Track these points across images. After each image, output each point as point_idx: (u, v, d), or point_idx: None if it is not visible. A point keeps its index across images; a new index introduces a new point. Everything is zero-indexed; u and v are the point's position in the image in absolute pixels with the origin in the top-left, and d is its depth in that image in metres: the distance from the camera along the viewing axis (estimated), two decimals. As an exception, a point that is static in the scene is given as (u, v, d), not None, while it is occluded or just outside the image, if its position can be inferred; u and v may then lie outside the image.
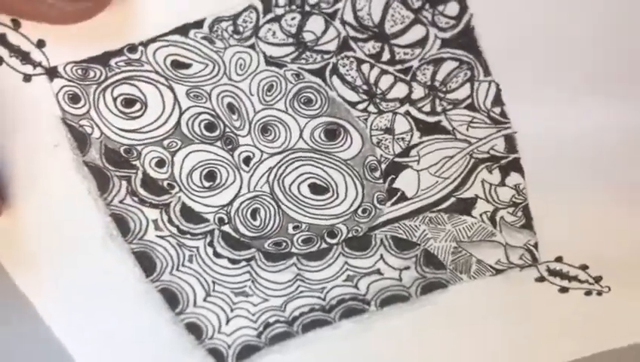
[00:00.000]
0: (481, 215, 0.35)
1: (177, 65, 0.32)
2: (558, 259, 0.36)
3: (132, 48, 0.32)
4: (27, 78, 0.32)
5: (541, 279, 0.37)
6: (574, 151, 0.32)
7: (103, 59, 0.32)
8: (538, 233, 0.35)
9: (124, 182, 0.35)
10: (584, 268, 0.36)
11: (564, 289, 0.37)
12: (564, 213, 0.34)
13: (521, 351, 0.39)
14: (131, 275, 0.38)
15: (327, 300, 0.39)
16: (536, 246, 0.36)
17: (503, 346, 0.39)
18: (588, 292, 0.37)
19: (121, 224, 0.36)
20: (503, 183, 0.34)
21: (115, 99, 0.33)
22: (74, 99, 0.33)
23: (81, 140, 0.34)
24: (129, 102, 0.33)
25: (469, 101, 0.32)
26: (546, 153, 0.32)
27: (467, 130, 0.32)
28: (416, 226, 0.36)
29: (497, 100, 0.31)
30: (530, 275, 0.37)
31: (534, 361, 0.40)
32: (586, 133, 0.31)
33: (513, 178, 0.34)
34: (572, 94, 0.31)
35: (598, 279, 0.36)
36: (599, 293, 0.37)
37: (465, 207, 0.35)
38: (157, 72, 0.32)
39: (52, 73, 0.32)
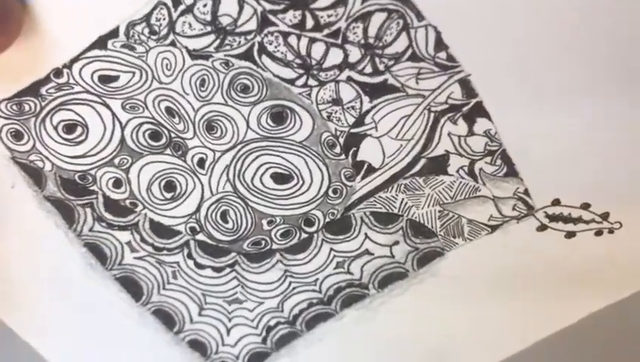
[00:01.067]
0: (457, 171, 0.32)
1: (105, 79, 0.31)
2: (556, 202, 0.33)
3: (57, 72, 0.31)
4: (-33, 124, 0.32)
5: (543, 227, 0.33)
6: (537, 76, 0.29)
7: (33, 89, 0.31)
8: (525, 178, 0.32)
9: (88, 210, 0.34)
10: (586, 206, 0.33)
11: (570, 234, 0.34)
12: (547, 149, 0.31)
13: (537, 307, 0.36)
14: (121, 302, 0.37)
15: (324, 291, 0.37)
16: (527, 193, 0.33)
17: (516, 305, 0.36)
18: (598, 232, 0.33)
19: (97, 252, 0.36)
20: (471, 132, 0.31)
21: (55, 128, 0.32)
22: (17, 136, 0.32)
23: (35, 176, 0.33)
24: (70, 127, 0.32)
25: (410, 52, 0.29)
26: (507, 87, 0.29)
27: (417, 83, 0.30)
28: (393, 197, 0.33)
29: (440, 44, 0.29)
30: (530, 225, 0.34)
31: (554, 317, 0.36)
32: (541, 54, 0.28)
33: (481, 124, 0.31)
34: (518, 23, 0.27)
35: (605, 216, 0.33)
36: (611, 231, 0.33)
37: (438, 166, 0.32)
38: (88, 92, 0.31)
39: (-11, 114, 0.32)
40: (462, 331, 0.37)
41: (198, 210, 0.34)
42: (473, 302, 0.36)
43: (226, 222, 0.35)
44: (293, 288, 0.36)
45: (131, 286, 0.36)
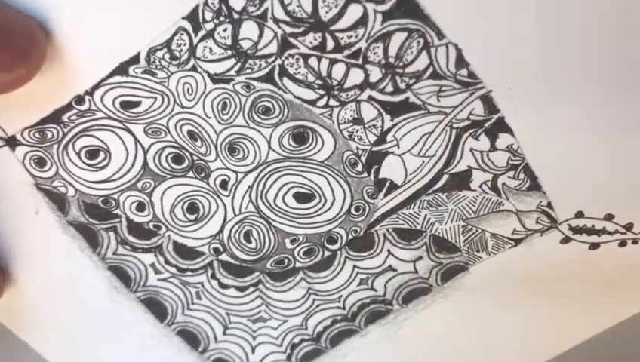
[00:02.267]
0: (480, 186, 0.32)
1: (127, 105, 0.31)
2: (579, 215, 0.33)
3: (79, 100, 0.31)
4: (-10, 153, 0.32)
5: (566, 240, 0.33)
6: (559, 91, 0.29)
7: (55, 117, 0.31)
8: (548, 191, 0.32)
9: (111, 234, 0.35)
10: (610, 217, 0.33)
11: (594, 246, 0.33)
12: (569, 161, 0.31)
13: (562, 319, 0.36)
14: (146, 324, 0.37)
15: (348, 308, 0.37)
16: (550, 206, 0.32)
17: (541, 317, 0.36)
18: (622, 243, 0.33)
19: (122, 275, 0.36)
20: (493, 147, 0.31)
21: (78, 154, 0.32)
22: (40, 162, 0.33)
23: (59, 201, 0.34)
24: (92, 153, 0.32)
25: (430, 70, 0.29)
26: (529, 101, 0.29)
27: (438, 100, 0.30)
28: (416, 213, 0.33)
29: (461, 62, 0.29)
30: (554, 238, 0.33)
31: (579, 329, 0.36)
32: (562, 69, 0.28)
33: (503, 139, 0.31)
34: (540, 39, 0.27)
35: (629, 226, 0.33)
36: (635, 241, 0.33)
37: (461, 181, 0.32)
38: (110, 117, 0.31)
39: (12, 142, 0.32)
40: (486, 344, 0.37)
41: (221, 230, 0.34)
42: (497, 315, 0.36)
43: (249, 241, 0.35)
44: (317, 305, 0.37)
45: (156, 308, 0.37)
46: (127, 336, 0.37)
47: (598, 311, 0.35)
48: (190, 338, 0.38)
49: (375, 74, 0.29)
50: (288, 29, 0.29)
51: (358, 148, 0.32)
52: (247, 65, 0.30)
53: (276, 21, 0.28)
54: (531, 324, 0.36)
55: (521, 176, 0.32)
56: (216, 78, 0.30)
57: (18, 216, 0.34)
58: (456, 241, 0.34)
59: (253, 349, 0.38)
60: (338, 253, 0.35)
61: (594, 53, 0.28)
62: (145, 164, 0.32)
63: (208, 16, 0.28)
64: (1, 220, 0.34)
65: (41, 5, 0.28)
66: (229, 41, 0.29)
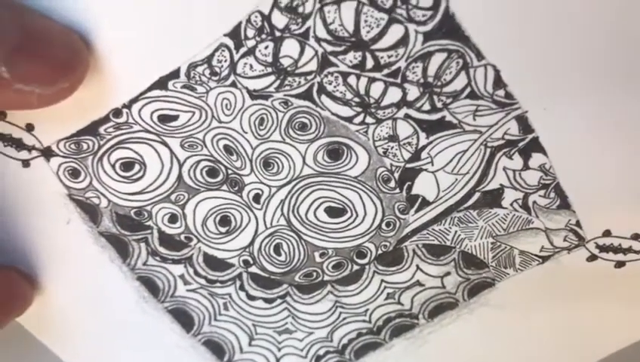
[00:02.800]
0: (511, 204, 0.33)
1: (164, 119, 0.31)
2: (607, 233, 0.33)
3: (117, 112, 0.31)
4: (25, 163, 0.32)
5: (593, 258, 0.34)
6: (593, 111, 0.29)
7: (92, 129, 0.32)
8: (577, 210, 0.33)
9: (142, 245, 0.35)
10: (636, 237, 0.33)
11: (620, 264, 0.34)
12: (599, 182, 0.31)
13: (587, 336, 0.36)
14: (172, 334, 0.37)
15: (373, 322, 0.37)
16: (578, 224, 0.33)
17: (565, 334, 0.36)
18: (648, 262, 0.34)
19: (150, 285, 0.36)
20: (526, 166, 0.31)
21: (113, 166, 0.32)
22: (74, 173, 0.33)
23: (91, 212, 0.34)
24: (127, 165, 0.33)
25: (468, 90, 0.30)
26: (563, 124, 0.30)
27: (474, 119, 0.30)
28: (446, 229, 0.34)
29: (498, 82, 0.29)
30: (581, 256, 0.34)
31: (604, 345, 0.37)
32: (596, 93, 0.29)
33: (536, 159, 0.31)
34: (575, 63, 0.28)
35: (655, 246, 0.33)
36: (660, 261, 0.34)
37: (492, 199, 0.33)
38: (147, 130, 0.32)
39: (47, 153, 0.32)
40: (511, 359, 0.37)
41: (251, 243, 0.35)
42: (522, 331, 0.36)
43: (279, 254, 0.35)
44: (343, 318, 0.37)
45: (183, 318, 0.37)
46: (154, 346, 0.38)
47: (622, 327, 0.36)
48: (216, 348, 0.38)
49: (413, 92, 0.30)
50: (329, 48, 0.29)
51: (391, 165, 0.32)
52: (286, 82, 0.30)
53: (317, 40, 0.29)
54: (556, 341, 0.36)
55: (552, 194, 0.32)
56: (255, 94, 0.31)
57: (49, 225, 0.34)
58: (484, 258, 0.34)
59: (278, 360, 0.38)
60: (367, 267, 0.35)
61: (630, 79, 0.28)
62: (180, 176, 0.33)
63: (250, 33, 0.29)
64: (32, 229, 0.34)
65: (83, 17, 0.29)
66: (269, 59, 0.29)
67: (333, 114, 0.31)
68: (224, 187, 0.33)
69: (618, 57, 0.28)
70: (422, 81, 0.29)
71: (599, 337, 0.36)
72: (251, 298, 0.36)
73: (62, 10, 0.28)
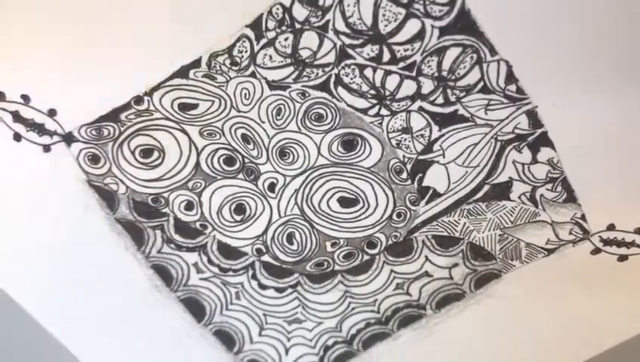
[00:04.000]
0: (519, 197, 0.34)
1: (185, 107, 0.32)
2: (610, 227, 0.34)
3: (138, 100, 0.32)
4: (47, 148, 0.33)
5: (597, 251, 0.35)
6: (601, 107, 0.30)
7: (113, 115, 0.32)
8: (583, 204, 0.34)
9: (158, 232, 0.35)
10: (640, 231, 0.34)
11: (622, 258, 0.35)
12: (605, 177, 0.32)
13: (589, 326, 0.37)
14: (183, 323, 0.38)
15: (382, 312, 0.38)
16: (584, 218, 0.34)
17: (569, 325, 0.37)
18: (650, 256, 0.35)
19: (164, 274, 0.37)
20: (535, 160, 0.32)
21: (133, 152, 0.33)
22: (94, 159, 0.33)
23: (109, 198, 0.35)
24: (147, 152, 0.33)
25: (481, 84, 0.31)
26: (572, 119, 0.31)
27: (486, 113, 0.31)
28: (455, 221, 0.35)
29: (510, 77, 0.30)
30: (585, 249, 0.35)
31: (606, 336, 0.37)
32: (604, 91, 0.30)
33: (545, 153, 0.32)
34: (584, 60, 0.29)
35: (658, 240, 0.34)
36: (662, 255, 0.35)
37: (501, 192, 0.34)
38: (167, 118, 0.32)
39: (69, 139, 0.33)
40: (516, 350, 0.38)
41: (265, 232, 0.35)
42: (527, 322, 0.37)
43: (292, 243, 0.36)
44: (353, 308, 0.38)
45: (194, 307, 0.37)
46: (164, 335, 0.38)
47: (624, 319, 0.37)
48: (226, 338, 0.38)
49: (427, 86, 0.31)
50: (347, 41, 0.30)
51: (404, 157, 0.33)
52: (304, 73, 0.31)
53: (336, 32, 0.30)
54: (559, 331, 0.37)
55: (559, 188, 0.33)
56: (273, 85, 0.31)
57: (67, 211, 0.35)
58: (492, 249, 0.35)
59: (287, 350, 0.39)
60: (377, 257, 0.36)
61: (637, 77, 0.29)
62: (197, 164, 0.34)
63: (271, 25, 0.30)
64: (50, 215, 0.35)
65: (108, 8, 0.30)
66: (289, 50, 0.30)
67: (348, 105, 0.32)
68: (240, 175, 0.34)
69: (627, 56, 0.29)
70: (436, 74, 0.31)
71: (602, 328, 0.37)
72: (263, 287, 0.37)
73: (88, -1, 0.29)
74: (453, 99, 0.31)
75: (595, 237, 0.35)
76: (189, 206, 0.35)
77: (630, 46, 0.29)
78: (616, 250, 0.35)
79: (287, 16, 0.30)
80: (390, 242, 0.36)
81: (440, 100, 0.31)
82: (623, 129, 0.31)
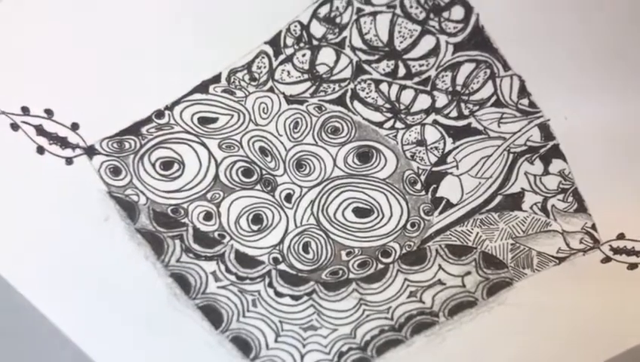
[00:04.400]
0: (531, 207, 0.34)
1: (204, 121, 0.33)
2: (620, 236, 0.35)
3: (159, 114, 0.33)
4: (69, 161, 0.34)
5: (607, 259, 0.36)
6: (609, 123, 0.31)
7: (134, 129, 0.33)
8: (594, 214, 0.34)
9: (177, 241, 0.36)
10: (650, 240, 0.35)
11: (632, 266, 0.36)
12: (615, 187, 0.33)
13: (600, 333, 0.38)
14: (201, 330, 0.39)
15: (395, 319, 0.38)
16: (594, 227, 0.35)
17: (578, 332, 0.38)
18: (659, 265, 0.36)
19: (182, 282, 0.37)
20: (546, 172, 0.33)
21: (153, 164, 0.34)
22: (115, 171, 0.34)
23: (129, 209, 0.35)
24: (167, 164, 0.34)
25: (494, 98, 0.31)
26: (583, 132, 0.32)
27: (499, 126, 0.32)
28: (468, 231, 0.35)
29: (523, 92, 0.31)
30: (595, 257, 0.36)
31: (615, 344, 0.38)
32: (614, 104, 0.31)
33: (556, 165, 0.33)
34: (595, 74, 0.30)
35: (667, 249, 0.35)
36: (672, 263, 0.36)
37: (513, 202, 0.34)
38: (187, 131, 0.33)
39: (91, 152, 0.34)
40: (526, 356, 0.39)
41: (281, 241, 0.36)
42: (537, 329, 0.38)
43: (307, 252, 0.37)
44: (367, 315, 0.38)
45: (212, 314, 0.38)
46: (182, 342, 0.39)
47: (634, 326, 0.38)
48: (243, 345, 0.39)
49: (441, 100, 0.32)
50: (363, 56, 0.31)
51: (418, 168, 0.34)
52: (321, 88, 0.32)
53: (353, 49, 0.31)
54: (569, 339, 0.38)
55: (570, 198, 0.34)
56: (291, 99, 0.32)
57: (89, 221, 0.36)
58: (504, 258, 0.36)
59: (302, 357, 0.40)
60: (391, 266, 0.37)
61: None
62: (216, 176, 0.34)
63: (289, 41, 0.31)
64: (71, 226, 0.36)
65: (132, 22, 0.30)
66: (306, 66, 0.31)
67: (364, 119, 0.33)
68: (258, 186, 0.35)
69: (637, 72, 0.30)
70: (450, 89, 0.31)
71: (611, 336, 0.38)
72: (279, 295, 0.38)
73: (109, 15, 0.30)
74: (466, 112, 0.32)
75: (606, 246, 0.35)
76: (208, 216, 0.35)
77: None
78: (626, 258, 0.36)
79: (304, 33, 0.30)
80: (404, 251, 0.36)
81: (454, 114, 0.32)
82: (634, 141, 0.32)
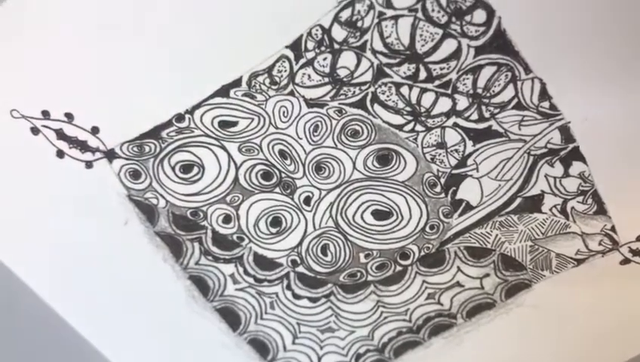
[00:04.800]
0: (551, 209, 0.34)
1: (225, 124, 0.33)
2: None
3: (179, 117, 0.33)
4: (89, 164, 0.34)
5: (626, 261, 0.36)
6: (630, 127, 0.31)
7: (155, 133, 0.33)
8: (613, 216, 0.34)
9: (196, 244, 0.36)
10: (669, 242, 0.35)
11: (652, 268, 0.36)
12: (635, 190, 0.33)
13: (619, 334, 0.38)
14: (219, 332, 0.39)
15: (413, 321, 0.39)
16: (613, 229, 0.35)
17: (597, 334, 0.38)
18: (679, 266, 0.36)
19: (201, 284, 0.38)
20: (566, 174, 0.33)
21: (173, 168, 0.34)
22: (135, 175, 0.34)
23: (149, 212, 0.36)
24: (187, 167, 0.34)
25: (515, 101, 0.31)
26: (603, 134, 0.32)
27: (519, 129, 0.32)
28: (487, 233, 0.35)
29: (544, 95, 0.31)
30: (614, 259, 0.36)
31: (634, 345, 0.38)
32: (634, 106, 0.31)
33: (576, 167, 0.33)
34: (617, 77, 0.30)
35: (686, 251, 0.35)
36: (691, 265, 0.36)
37: (533, 204, 0.34)
38: (207, 135, 0.33)
39: (111, 155, 0.34)
40: (544, 358, 0.39)
41: (300, 243, 0.36)
42: (556, 331, 0.38)
43: (326, 255, 0.37)
44: (385, 317, 0.38)
45: (230, 317, 0.38)
46: (200, 344, 0.39)
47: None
48: (260, 347, 0.39)
49: (462, 103, 0.32)
50: (384, 60, 0.31)
51: (438, 171, 0.34)
52: (341, 91, 0.32)
53: (374, 52, 0.31)
54: (587, 340, 0.38)
55: (590, 201, 0.34)
56: (311, 103, 0.32)
57: (108, 224, 0.36)
58: (523, 260, 0.36)
59: (319, 358, 0.40)
60: (409, 268, 0.37)
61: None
62: (236, 179, 0.34)
63: (310, 45, 0.31)
64: (91, 229, 0.36)
65: (152, 27, 0.30)
66: (327, 69, 0.31)
67: (384, 122, 0.33)
68: (277, 189, 0.35)
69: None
70: (471, 92, 0.31)
71: (630, 337, 0.38)
72: (297, 297, 0.38)
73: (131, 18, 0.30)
74: (487, 115, 0.32)
75: (625, 248, 0.35)
76: (227, 219, 0.36)
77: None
78: (645, 259, 0.36)
79: (326, 37, 0.30)
80: (423, 253, 0.36)
81: (474, 116, 0.32)
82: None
